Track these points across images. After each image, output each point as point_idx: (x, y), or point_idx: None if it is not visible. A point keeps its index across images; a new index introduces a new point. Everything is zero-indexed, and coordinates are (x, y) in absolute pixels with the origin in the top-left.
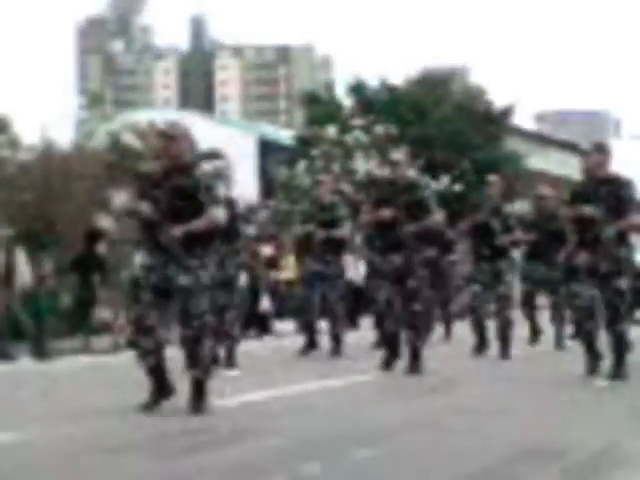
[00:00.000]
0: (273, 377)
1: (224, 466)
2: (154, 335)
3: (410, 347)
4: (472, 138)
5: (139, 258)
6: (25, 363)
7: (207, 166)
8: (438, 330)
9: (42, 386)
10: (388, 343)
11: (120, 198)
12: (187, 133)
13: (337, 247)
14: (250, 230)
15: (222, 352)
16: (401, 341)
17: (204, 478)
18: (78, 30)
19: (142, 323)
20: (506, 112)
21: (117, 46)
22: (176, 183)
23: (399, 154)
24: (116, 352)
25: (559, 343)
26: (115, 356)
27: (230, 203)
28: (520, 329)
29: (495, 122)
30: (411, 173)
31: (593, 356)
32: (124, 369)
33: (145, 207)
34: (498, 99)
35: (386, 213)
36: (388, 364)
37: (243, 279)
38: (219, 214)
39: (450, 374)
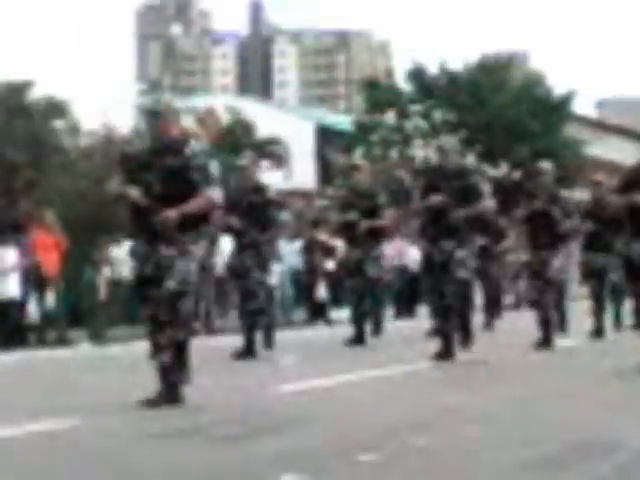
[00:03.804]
0: (325, 366)
1: (277, 453)
2: (168, 331)
3: (459, 316)
4: (531, 125)
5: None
6: (83, 349)
7: (197, 144)
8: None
9: (96, 372)
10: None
11: (114, 182)
12: (174, 109)
13: (377, 235)
14: (284, 216)
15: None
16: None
17: (257, 465)
18: (137, 15)
19: (157, 319)
20: (566, 99)
21: (176, 31)
22: (165, 163)
23: (448, 140)
24: None
25: (617, 327)
26: None
27: (262, 189)
28: (577, 318)
29: (555, 109)
30: (469, 160)
31: None
32: None
33: (134, 192)
34: (558, 85)
35: (436, 199)
36: (440, 357)
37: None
38: (214, 194)
39: (502, 364)
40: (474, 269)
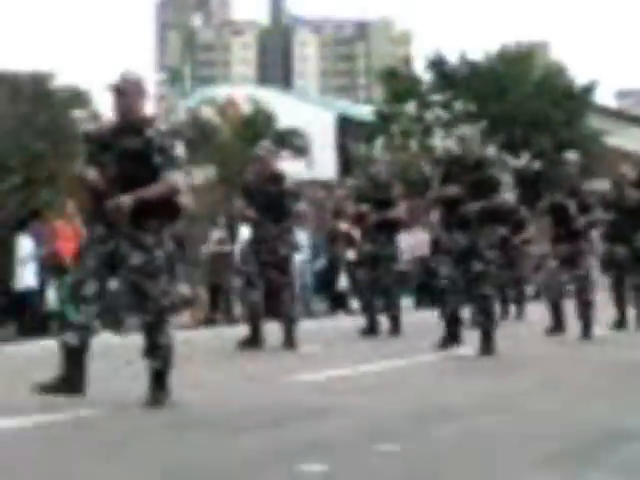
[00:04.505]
0: (346, 355)
1: (298, 443)
2: (88, 308)
3: (482, 330)
4: (553, 115)
5: (216, 234)
6: (103, 337)
7: (163, 125)
8: (511, 310)
9: (117, 361)
10: (447, 324)
11: (79, 164)
12: (140, 85)
13: (391, 228)
14: (301, 207)
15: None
16: (461, 323)
17: (278, 454)
18: (158, 4)
19: (79, 291)
20: (588, 89)
21: (196, 21)
22: (125, 145)
23: (468, 130)
24: (196, 327)
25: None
26: (195, 331)
27: (279, 179)
28: (601, 312)
29: (576, 99)
30: (490, 151)
31: None
32: (203, 344)
33: (91, 174)
34: (579, 76)
35: (452, 190)
36: (444, 345)
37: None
38: (177, 179)
39: (524, 355)
40: (493, 261)
